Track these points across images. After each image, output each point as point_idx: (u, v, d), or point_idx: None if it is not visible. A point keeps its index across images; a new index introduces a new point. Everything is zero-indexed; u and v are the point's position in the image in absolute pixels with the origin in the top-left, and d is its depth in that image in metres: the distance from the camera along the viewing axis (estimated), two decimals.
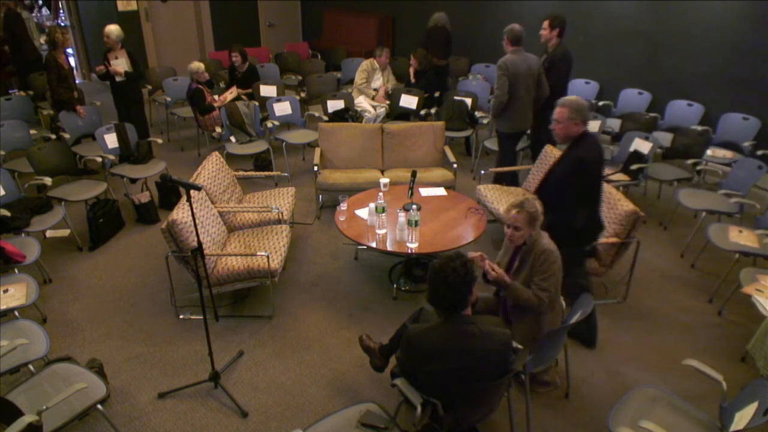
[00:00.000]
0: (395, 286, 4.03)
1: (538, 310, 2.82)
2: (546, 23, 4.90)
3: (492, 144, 5.80)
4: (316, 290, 4.08)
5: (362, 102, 6.48)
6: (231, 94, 6.24)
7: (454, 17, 6.80)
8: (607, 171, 5.01)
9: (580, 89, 6.44)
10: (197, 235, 2.89)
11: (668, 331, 3.65)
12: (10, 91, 6.85)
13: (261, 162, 5.86)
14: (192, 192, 2.97)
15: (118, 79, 5.68)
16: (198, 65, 6.03)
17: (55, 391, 2.56)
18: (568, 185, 3.07)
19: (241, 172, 5.22)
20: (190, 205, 2.77)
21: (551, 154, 4.57)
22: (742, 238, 3.95)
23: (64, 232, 4.64)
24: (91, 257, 4.49)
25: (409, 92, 6.19)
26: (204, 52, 8.99)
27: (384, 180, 4.44)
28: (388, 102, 6.49)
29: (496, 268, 2.84)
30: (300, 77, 7.86)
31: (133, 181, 5.34)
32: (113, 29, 5.61)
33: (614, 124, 5.90)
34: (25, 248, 3.81)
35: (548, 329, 2.84)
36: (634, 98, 6.25)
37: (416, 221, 3.64)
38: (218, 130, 5.94)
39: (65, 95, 5.48)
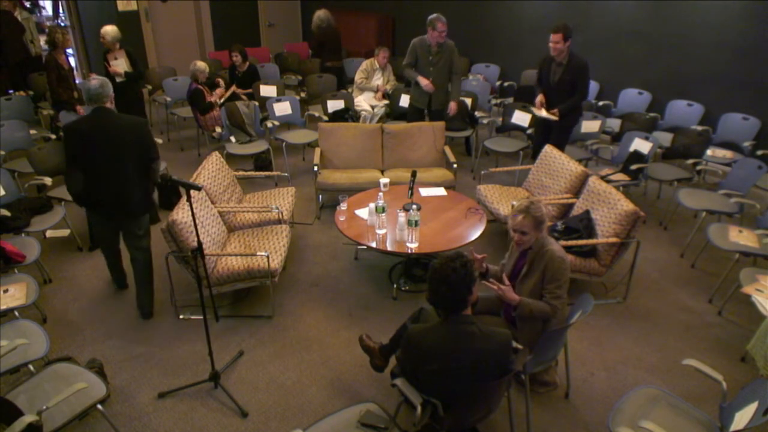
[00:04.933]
0: (395, 286, 4.03)
1: (551, 318, 2.80)
2: (559, 36, 4.49)
3: (491, 144, 5.80)
4: (316, 290, 4.08)
5: (362, 102, 6.48)
6: (229, 91, 6.31)
7: (454, 17, 6.79)
8: (606, 171, 5.03)
9: None
10: (197, 235, 2.90)
11: (668, 331, 3.65)
12: (9, 92, 6.82)
13: (261, 162, 5.86)
14: (192, 192, 2.97)
15: (118, 79, 5.68)
16: (203, 65, 6.03)
17: (55, 391, 2.56)
18: None
19: (241, 172, 5.22)
20: (190, 205, 2.77)
21: (551, 154, 4.57)
22: (742, 238, 3.95)
23: (64, 232, 4.64)
24: (91, 257, 4.49)
25: (409, 92, 6.19)
26: (204, 52, 8.98)
27: (384, 180, 4.44)
28: (387, 101, 6.49)
29: (502, 287, 2.75)
30: (300, 77, 7.85)
31: None
32: (109, 30, 5.60)
33: (614, 124, 5.90)
34: (25, 248, 3.81)
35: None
36: (634, 98, 6.25)
37: (416, 221, 3.63)
38: (218, 130, 5.94)
39: (65, 95, 5.48)
